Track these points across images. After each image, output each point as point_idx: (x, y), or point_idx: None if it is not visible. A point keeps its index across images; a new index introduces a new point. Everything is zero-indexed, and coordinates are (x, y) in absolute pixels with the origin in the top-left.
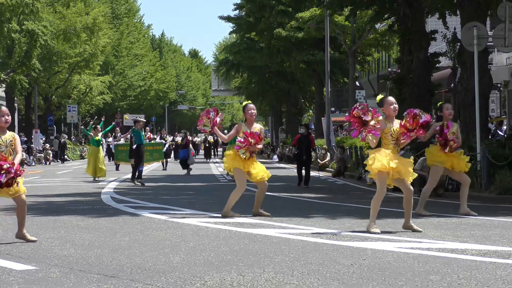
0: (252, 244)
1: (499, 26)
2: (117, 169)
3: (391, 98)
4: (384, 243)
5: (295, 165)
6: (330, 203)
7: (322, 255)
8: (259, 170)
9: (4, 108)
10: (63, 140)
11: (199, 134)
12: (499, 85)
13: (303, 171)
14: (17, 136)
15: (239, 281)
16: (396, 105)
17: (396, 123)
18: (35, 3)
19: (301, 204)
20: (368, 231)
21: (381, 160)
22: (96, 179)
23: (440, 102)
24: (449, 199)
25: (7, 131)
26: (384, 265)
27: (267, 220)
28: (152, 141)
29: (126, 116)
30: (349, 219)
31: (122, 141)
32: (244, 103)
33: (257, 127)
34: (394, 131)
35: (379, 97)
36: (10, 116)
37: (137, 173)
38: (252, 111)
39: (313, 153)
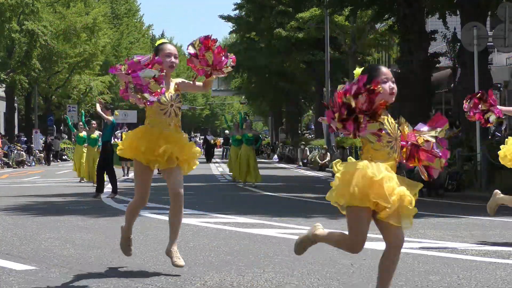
0: (252, 244)
1: (499, 26)
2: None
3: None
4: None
5: (294, 166)
6: (330, 203)
7: (322, 255)
8: None
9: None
10: (49, 139)
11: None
12: (499, 85)
13: None
14: (182, 84)
15: (239, 281)
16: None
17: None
18: (35, 3)
19: (301, 204)
20: None
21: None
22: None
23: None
24: (449, 199)
25: (172, 80)
26: None
27: (267, 220)
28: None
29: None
30: None
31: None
32: None
33: None
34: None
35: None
36: (177, 59)
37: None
38: None
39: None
